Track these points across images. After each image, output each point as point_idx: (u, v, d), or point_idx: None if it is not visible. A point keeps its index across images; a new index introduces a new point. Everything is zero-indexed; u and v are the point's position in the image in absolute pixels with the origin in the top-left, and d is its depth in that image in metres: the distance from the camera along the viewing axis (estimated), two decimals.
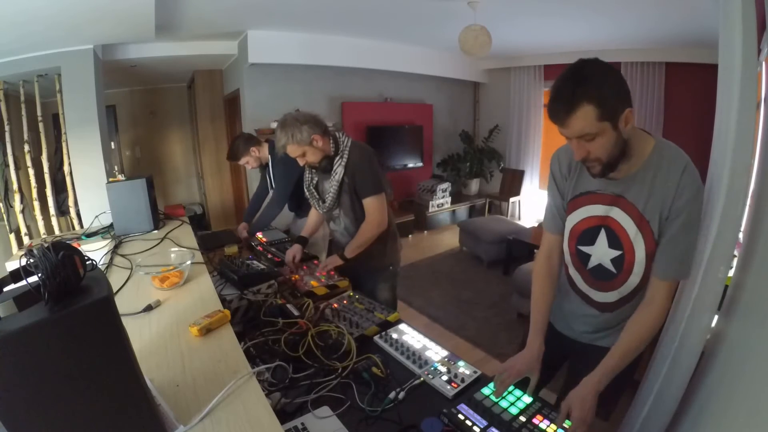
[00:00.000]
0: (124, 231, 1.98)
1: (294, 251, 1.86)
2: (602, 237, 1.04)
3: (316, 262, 1.91)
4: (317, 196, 1.82)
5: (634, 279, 1.04)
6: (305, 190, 1.86)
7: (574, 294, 1.19)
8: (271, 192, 2.56)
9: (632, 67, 4.17)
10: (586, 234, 1.08)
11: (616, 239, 1.02)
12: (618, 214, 1.00)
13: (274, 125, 4.11)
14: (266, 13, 3.09)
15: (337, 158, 1.68)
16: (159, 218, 2.16)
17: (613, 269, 1.06)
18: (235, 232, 2.41)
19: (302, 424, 0.93)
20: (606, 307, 1.12)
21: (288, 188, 2.35)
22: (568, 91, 0.85)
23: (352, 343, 1.20)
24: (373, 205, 1.69)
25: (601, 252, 1.07)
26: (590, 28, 3.56)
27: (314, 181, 1.83)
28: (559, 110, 0.88)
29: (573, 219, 1.11)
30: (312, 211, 2.01)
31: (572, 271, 1.18)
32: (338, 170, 1.68)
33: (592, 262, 1.09)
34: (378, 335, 1.30)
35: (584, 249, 1.10)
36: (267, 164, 2.48)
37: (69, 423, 0.63)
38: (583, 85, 0.84)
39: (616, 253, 1.04)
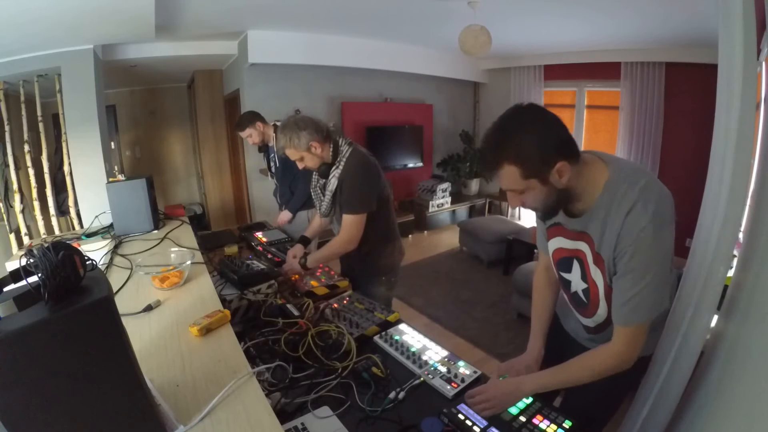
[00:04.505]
0: (124, 231, 1.98)
1: (295, 251, 1.85)
2: (576, 267, 1.03)
3: None
4: (322, 198, 1.80)
5: (602, 312, 1.02)
6: (311, 191, 1.85)
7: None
8: (271, 178, 2.70)
9: (632, 67, 4.16)
10: (563, 262, 1.06)
11: (584, 272, 1.01)
12: (584, 248, 0.97)
13: (272, 123, 4.12)
14: (266, 13, 3.09)
15: (333, 168, 1.66)
16: (159, 218, 2.16)
17: (584, 299, 1.05)
18: (273, 223, 2.50)
19: (302, 424, 0.93)
20: (588, 329, 1.12)
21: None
22: (491, 150, 0.85)
23: (352, 343, 1.20)
24: (349, 222, 1.65)
25: (575, 281, 1.05)
26: (590, 28, 3.56)
27: (321, 182, 1.80)
28: (485, 168, 0.89)
29: (551, 246, 1.09)
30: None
31: (562, 291, 1.17)
32: (332, 181, 1.66)
33: (572, 288, 1.08)
34: (378, 335, 1.30)
35: (564, 275, 1.08)
36: (268, 146, 2.59)
37: (69, 423, 0.63)
38: (504, 144, 0.83)
39: (584, 285, 1.02)
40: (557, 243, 1.06)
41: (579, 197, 0.91)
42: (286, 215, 2.54)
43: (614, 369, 0.93)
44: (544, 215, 0.96)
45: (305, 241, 1.93)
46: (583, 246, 0.97)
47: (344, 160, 1.65)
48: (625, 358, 0.92)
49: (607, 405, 1.15)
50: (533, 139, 0.81)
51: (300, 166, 1.69)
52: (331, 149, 1.66)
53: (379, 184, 1.70)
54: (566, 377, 0.99)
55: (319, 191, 1.81)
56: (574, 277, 1.04)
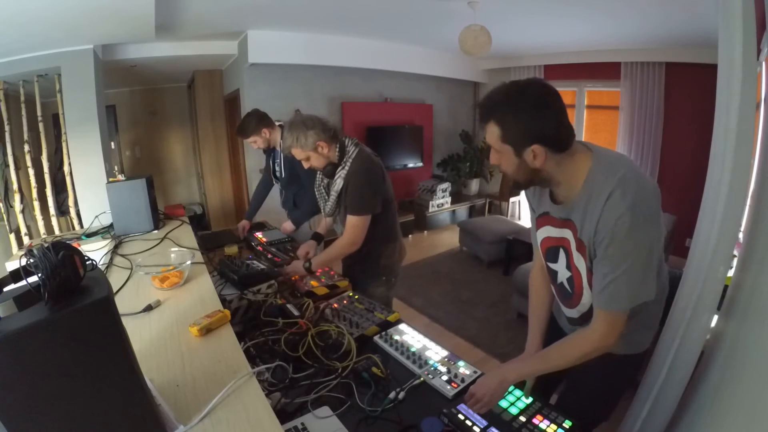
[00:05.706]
0: (124, 231, 1.98)
1: (308, 247, 1.85)
2: (562, 257, 1.04)
3: None
4: (326, 198, 1.80)
5: (586, 302, 1.03)
6: (315, 190, 1.85)
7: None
8: (275, 183, 2.58)
9: (632, 67, 4.16)
10: (550, 251, 1.08)
11: (569, 260, 1.02)
12: (569, 235, 0.99)
13: (277, 124, 4.11)
14: (266, 13, 3.09)
15: (339, 168, 1.66)
16: (159, 218, 2.16)
17: (569, 289, 1.06)
18: (235, 231, 2.42)
19: (302, 424, 0.93)
20: (573, 321, 1.12)
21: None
22: (487, 105, 0.90)
23: (352, 343, 1.20)
24: (352, 224, 1.64)
25: (561, 271, 1.06)
26: (591, 28, 3.56)
27: (325, 182, 1.81)
28: (480, 117, 0.94)
29: (540, 236, 1.11)
30: None
31: (552, 286, 1.18)
32: (338, 181, 1.66)
33: (559, 279, 1.09)
34: (378, 335, 1.30)
35: (552, 266, 1.09)
36: (274, 148, 2.44)
37: (69, 423, 0.63)
38: (497, 106, 0.89)
39: (568, 274, 1.04)
40: (545, 232, 1.08)
41: (557, 183, 0.95)
42: (289, 225, 2.44)
43: (592, 353, 0.95)
44: (514, 185, 1.01)
45: (318, 238, 1.93)
46: (567, 234, 0.99)
47: (350, 160, 1.65)
48: (603, 343, 0.94)
49: (604, 402, 1.16)
50: (520, 117, 0.86)
51: (306, 165, 1.68)
52: (337, 149, 1.65)
53: (383, 185, 1.70)
54: (549, 363, 1.01)
55: (324, 191, 1.81)
56: (560, 266, 1.06)
